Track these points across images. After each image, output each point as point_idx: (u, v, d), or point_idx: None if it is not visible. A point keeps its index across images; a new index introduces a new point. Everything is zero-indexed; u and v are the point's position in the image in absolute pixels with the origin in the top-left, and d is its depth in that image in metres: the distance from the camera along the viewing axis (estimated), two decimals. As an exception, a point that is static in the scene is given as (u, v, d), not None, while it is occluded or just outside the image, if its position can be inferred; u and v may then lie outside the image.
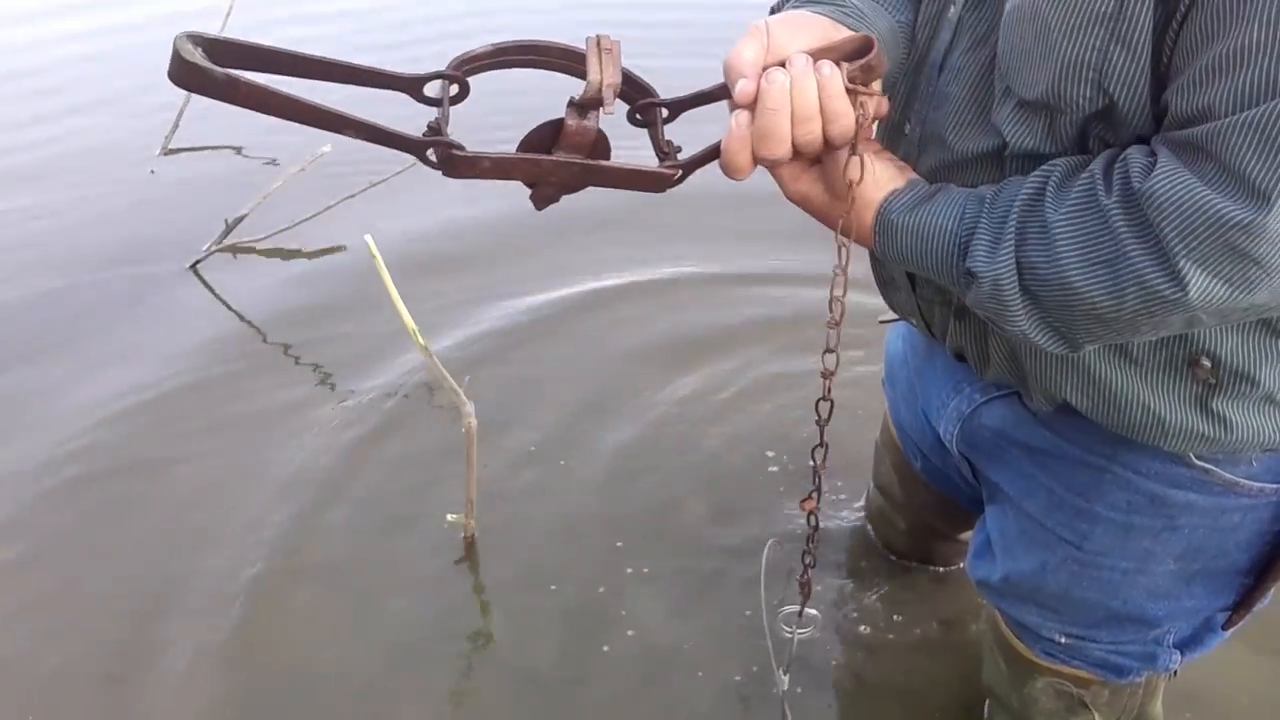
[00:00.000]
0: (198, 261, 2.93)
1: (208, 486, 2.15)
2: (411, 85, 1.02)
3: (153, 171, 3.48)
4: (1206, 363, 0.95)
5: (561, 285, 2.81)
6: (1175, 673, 1.27)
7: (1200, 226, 0.78)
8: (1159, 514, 1.08)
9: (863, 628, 1.82)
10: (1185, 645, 1.23)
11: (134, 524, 2.06)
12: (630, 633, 1.81)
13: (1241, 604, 1.16)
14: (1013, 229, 0.88)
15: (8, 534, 2.03)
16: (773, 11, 1.04)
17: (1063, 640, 1.26)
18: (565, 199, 1.03)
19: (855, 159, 0.90)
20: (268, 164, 3.48)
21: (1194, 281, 0.79)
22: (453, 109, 0.99)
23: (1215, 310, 0.82)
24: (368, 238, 1.73)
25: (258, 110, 0.88)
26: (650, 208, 3.17)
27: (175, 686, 1.74)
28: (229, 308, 2.77)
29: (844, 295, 0.94)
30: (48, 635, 1.83)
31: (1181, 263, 0.79)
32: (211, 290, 2.84)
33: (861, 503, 1.99)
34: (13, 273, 2.89)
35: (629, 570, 1.94)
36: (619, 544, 1.99)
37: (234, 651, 1.79)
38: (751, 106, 0.87)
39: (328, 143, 3.14)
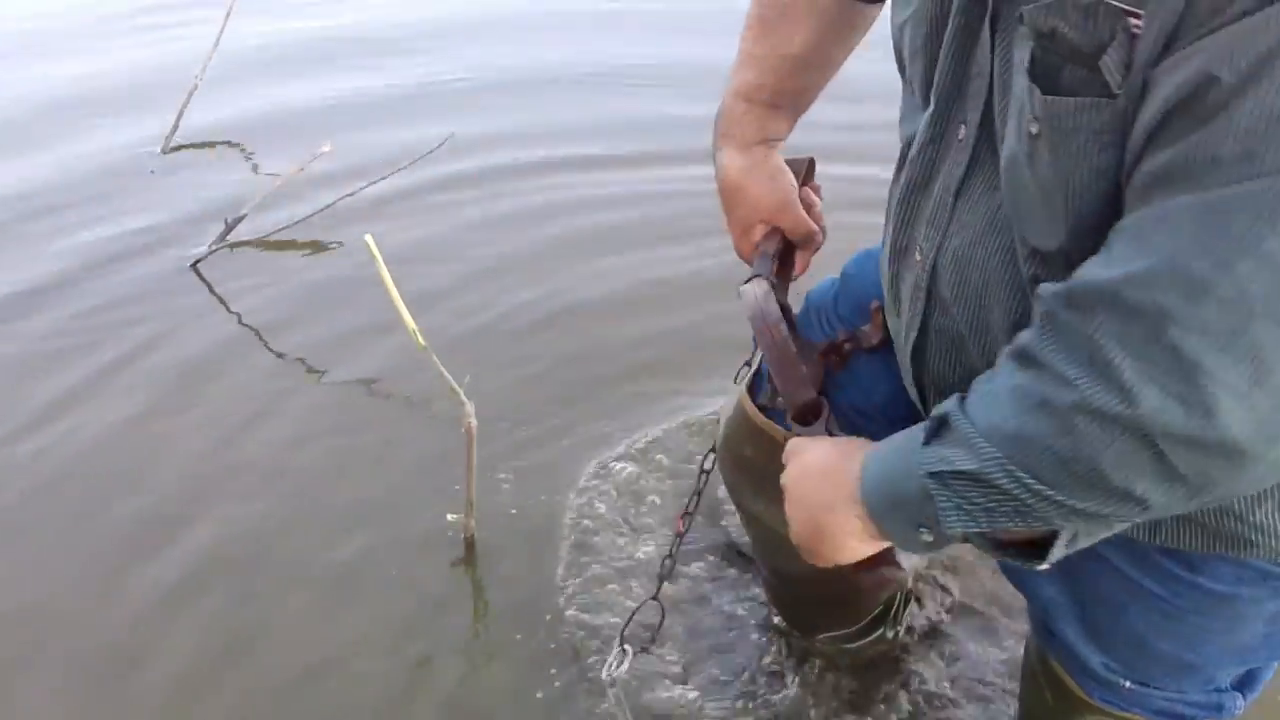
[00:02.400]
0: (198, 260, 2.93)
1: (204, 485, 2.15)
2: None
3: (153, 171, 3.48)
4: None
5: (564, 284, 2.80)
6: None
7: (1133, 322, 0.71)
8: (1267, 586, 1.02)
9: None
10: (1243, 686, 1.19)
11: (130, 521, 2.06)
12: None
13: None
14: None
15: None
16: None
17: (1128, 686, 1.19)
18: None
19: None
20: (268, 163, 3.47)
21: (1144, 395, 0.70)
22: None
23: (1183, 444, 0.71)
24: (367, 237, 1.73)
25: None
26: (659, 210, 3.18)
27: (172, 686, 1.74)
28: (229, 307, 2.77)
29: None
30: (40, 633, 1.83)
31: (1120, 364, 0.71)
32: (212, 289, 2.84)
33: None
34: (12, 272, 2.89)
35: (632, 566, 1.94)
36: (623, 540, 1.99)
37: (230, 651, 1.79)
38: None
39: (327, 142, 3.14)
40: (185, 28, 4.51)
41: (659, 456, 2.20)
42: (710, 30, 4.62)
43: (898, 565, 1.10)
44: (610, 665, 1.64)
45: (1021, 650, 1.50)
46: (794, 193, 1.26)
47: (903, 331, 1.08)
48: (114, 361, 2.51)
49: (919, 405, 1.14)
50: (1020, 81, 0.81)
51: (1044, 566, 0.87)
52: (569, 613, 1.86)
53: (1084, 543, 0.85)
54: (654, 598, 1.67)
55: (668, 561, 1.63)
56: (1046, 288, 0.78)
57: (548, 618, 1.85)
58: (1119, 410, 0.72)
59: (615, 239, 3.02)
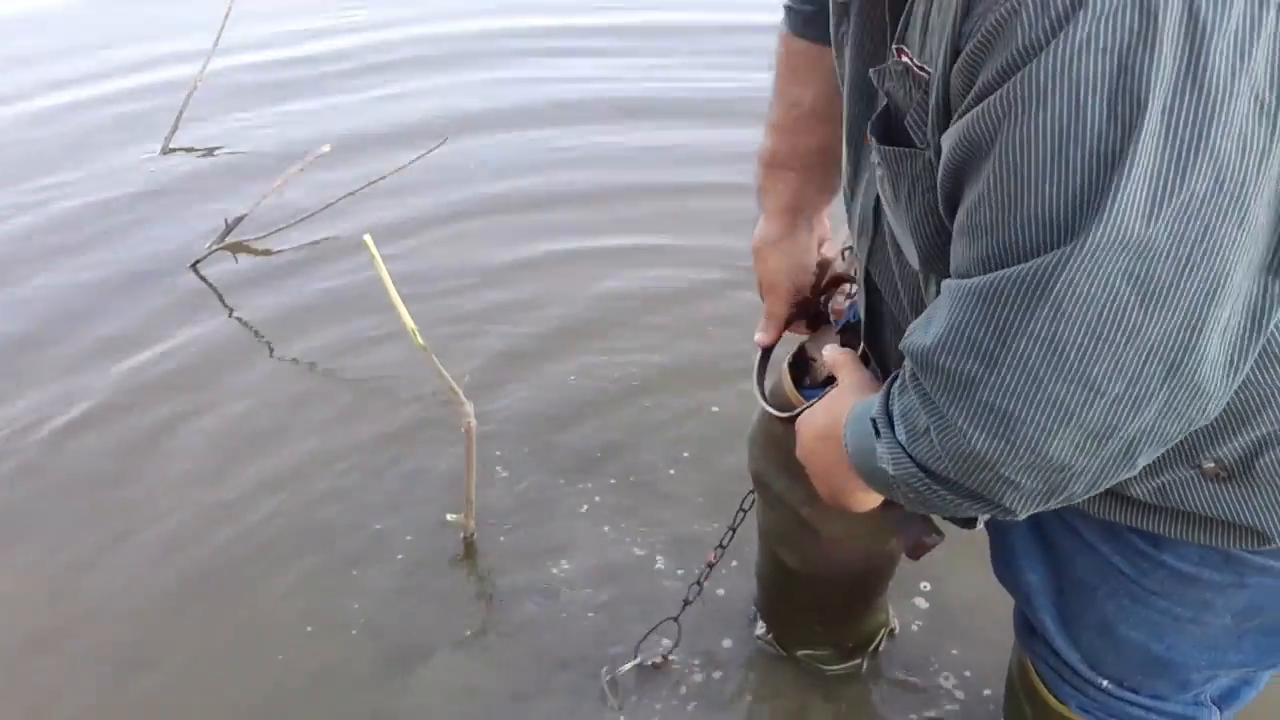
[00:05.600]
0: (198, 260, 2.93)
1: (205, 484, 2.15)
2: None
3: (153, 171, 3.48)
4: (1210, 464, 0.93)
5: (566, 284, 2.81)
6: None
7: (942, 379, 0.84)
8: (1230, 571, 1.03)
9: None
10: (1224, 701, 1.20)
11: (130, 521, 2.06)
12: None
13: None
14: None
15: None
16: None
17: (1105, 685, 1.20)
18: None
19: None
20: (268, 163, 3.47)
21: (976, 439, 0.82)
22: None
23: (1018, 469, 0.82)
24: (367, 237, 1.73)
25: None
26: (665, 208, 3.18)
27: (170, 682, 1.74)
28: (229, 307, 2.77)
29: None
30: (35, 641, 1.84)
31: (953, 415, 0.82)
32: (212, 289, 2.85)
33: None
34: (14, 271, 2.89)
35: (632, 567, 1.94)
36: (622, 541, 2.00)
37: (229, 651, 1.79)
38: None
39: (327, 142, 3.15)
40: (185, 28, 4.51)
41: (662, 457, 2.20)
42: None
43: (935, 529, 1.15)
44: (618, 670, 1.72)
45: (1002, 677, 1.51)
46: (795, 276, 1.34)
47: (862, 316, 1.21)
48: (112, 361, 2.52)
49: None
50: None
51: (974, 530, 1.03)
52: (569, 614, 1.86)
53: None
54: (675, 619, 1.74)
55: (694, 587, 1.72)
56: (905, 341, 0.88)
57: (547, 618, 1.85)
58: (964, 449, 0.83)
59: (620, 238, 3.02)
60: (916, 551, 1.15)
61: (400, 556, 1.98)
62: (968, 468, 0.84)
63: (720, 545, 1.67)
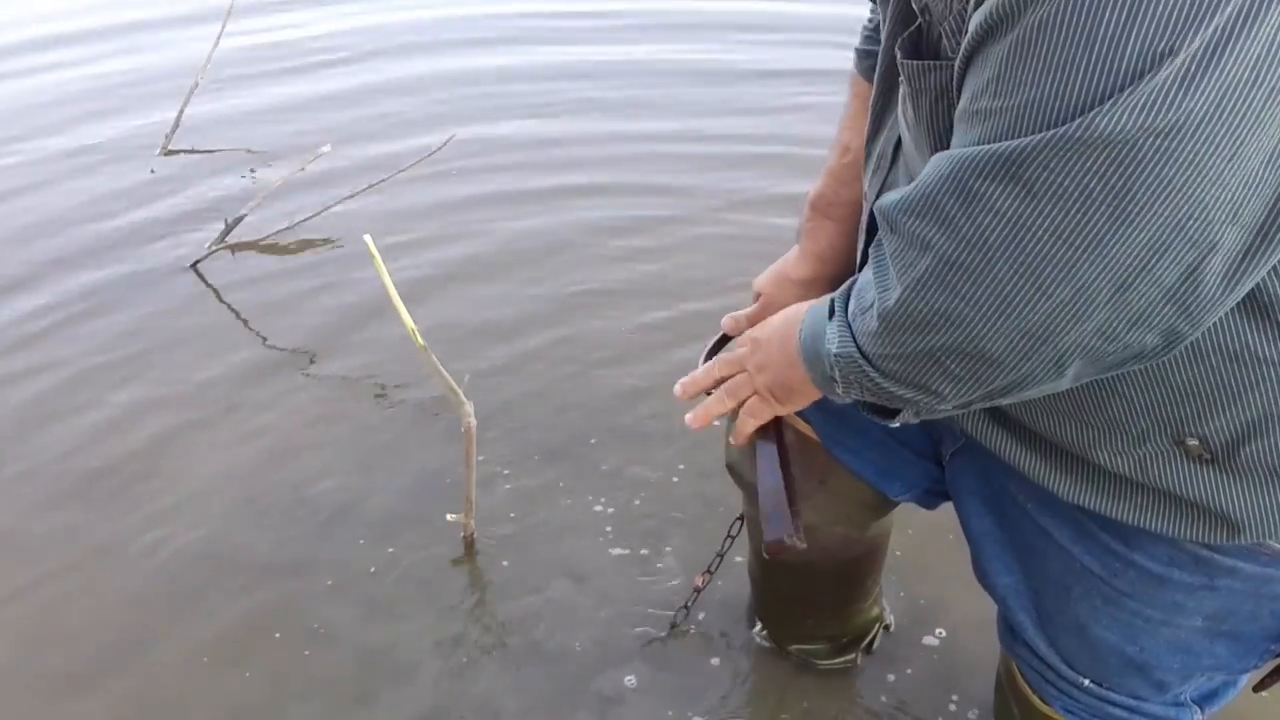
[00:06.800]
0: (198, 260, 2.93)
1: (205, 483, 2.15)
2: None
3: (153, 171, 3.48)
4: (1194, 442, 0.91)
5: (567, 284, 2.81)
6: None
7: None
8: (1200, 572, 1.02)
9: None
10: (1205, 701, 1.20)
11: (129, 519, 2.06)
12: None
13: (1276, 671, 1.11)
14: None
15: (7, 533, 2.04)
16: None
17: (1086, 684, 1.20)
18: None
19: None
20: (268, 164, 3.48)
21: (917, 310, 0.83)
22: None
23: (951, 354, 0.83)
24: (367, 238, 1.73)
25: None
26: (668, 208, 3.18)
27: (168, 684, 1.74)
28: (229, 307, 2.77)
29: None
30: (26, 642, 1.84)
31: (904, 280, 0.83)
32: (212, 289, 2.85)
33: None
34: (14, 271, 2.89)
35: (630, 569, 1.94)
36: (621, 543, 2.00)
37: (227, 651, 1.79)
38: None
39: (327, 143, 3.15)
40: (185, 28, 4.52)
41: (661, 456, 2.20)
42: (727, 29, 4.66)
43: (799, 532, 1.15)
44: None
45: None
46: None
47: (858, 260, 1.20)
48: (114, 361, 2.52)
49: None
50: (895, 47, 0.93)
51: (894, 424, 1.00)
52: (568, 613, 1.86)
53: (926, 415, 0.97)
54: (662, 639, 1.78)
55: (681, 611, 1.77)
56: (878, 202, 0.88)
57: (547, 619, 1.85)
58: (903, 318, 0.84)
59: (621, 237, 3.02)
60: (773, 549, 1.14)
61: (400, 556, 1.97)
62: (901, 340, 0.85)
63: (708, 571, 1.69)
